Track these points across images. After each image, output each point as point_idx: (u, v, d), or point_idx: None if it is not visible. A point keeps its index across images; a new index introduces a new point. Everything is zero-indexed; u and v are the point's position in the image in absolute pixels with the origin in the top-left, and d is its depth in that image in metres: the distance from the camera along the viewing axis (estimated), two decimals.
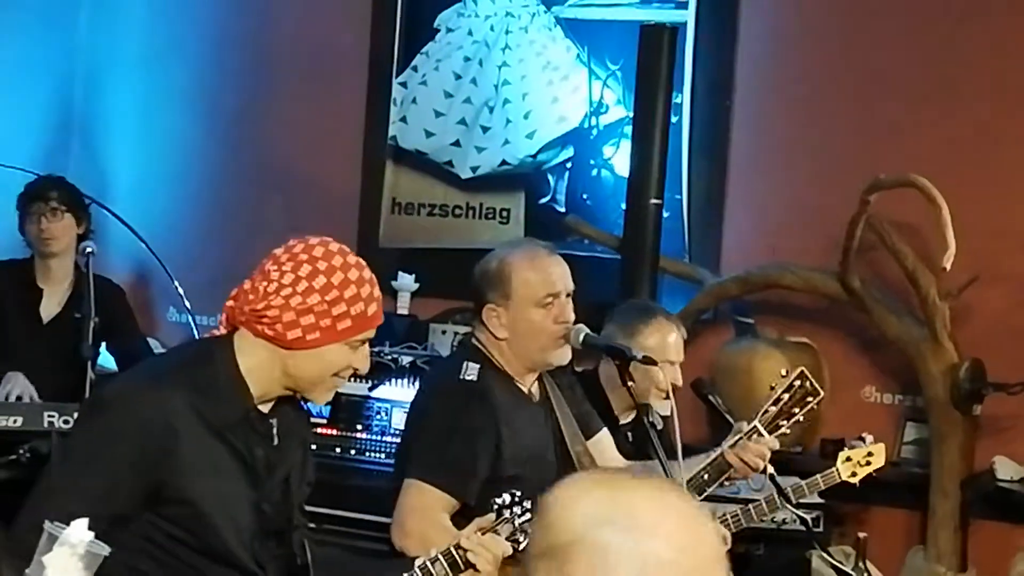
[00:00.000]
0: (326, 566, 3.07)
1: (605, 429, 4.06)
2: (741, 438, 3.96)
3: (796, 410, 4.03)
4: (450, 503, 3.53)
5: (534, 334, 3.72)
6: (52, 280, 5.48)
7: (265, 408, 2.99)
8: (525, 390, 3.81)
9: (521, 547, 3.11)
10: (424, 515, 3.50)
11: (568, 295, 3.77)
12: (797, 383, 4.04)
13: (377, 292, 2.96)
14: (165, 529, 2.84)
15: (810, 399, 4.04)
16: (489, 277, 3.75)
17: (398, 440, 4.18)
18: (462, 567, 3.05)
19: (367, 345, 2.98)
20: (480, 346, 3.79)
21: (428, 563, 3.03)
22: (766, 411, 4.00)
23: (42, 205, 5.41)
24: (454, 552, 3.04)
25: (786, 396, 4.02)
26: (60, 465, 2.87)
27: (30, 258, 5.53)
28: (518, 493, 3.14)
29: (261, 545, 2.95)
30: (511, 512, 3.10)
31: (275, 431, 2.99)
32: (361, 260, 2.98)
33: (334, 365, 2.94)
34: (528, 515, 3.10)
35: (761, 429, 3.96)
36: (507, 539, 3.09)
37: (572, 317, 3.77)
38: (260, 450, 2.96)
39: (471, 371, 3.68)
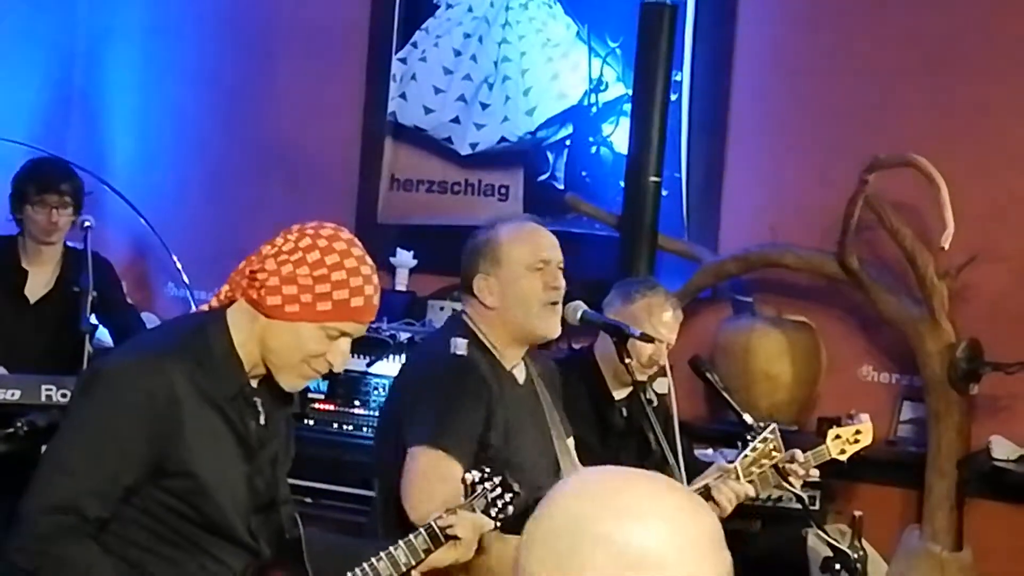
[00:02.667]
0: (314, 542, 3.08)
1: (572, 437, 4.05)
2: (721, 477, 3.98)
3: (765, 461, 4.08)
4: (458, 468, 3.53)
5: (525, 300, 3.71)
6: (39, 261, 5.41)
7: (255, 383, 2.99)
8: (508, 368, 3.81)
9: (498, 520, 3.14)
10: (447, 481, 3.49)
11: (559, 266, 3.76)
12: (770, 436, 4.09)
13: (370, 290, 2.91)
14: (165, 502, 2.84)
15: (775, 454, 4.09)
16: (478, 249, 3.75)
17: None
18: (442, 540, 3.07)
19: (347, 343, 2.93)
20: (468, 322, 3.79)
21: (412, 537, 3.05)
22: (745, 455, 4.04)
23: (55, 198, 5.33)
24: (433, 525, 3.06)
25: (760, 445, 4.06)
26: (67, 442, 2.84)
27: (14, 237, 5.44)
28: (487, 469, 3.17)
29: (255, 519, 2.96)
30: (483, 487, 3.13)
31: (261, 406, 2.99)
32: (368, 258, 2.96)
33: (307, 348, 2.90)
34: (499, 489, 3.13)
35: (740, 472, 4.00)
36: (483, 513, 3.12)
37: (563, 284, 3.76)
38: (254, 424, 2.97)
39: (460, 347, 3.68)
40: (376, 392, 5.27)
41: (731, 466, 4.01)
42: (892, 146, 5.34)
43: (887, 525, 5.53)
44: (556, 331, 3.80)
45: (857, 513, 4.07)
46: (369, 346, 5.36)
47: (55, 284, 5.40)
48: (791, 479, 4.09)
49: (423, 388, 3.61)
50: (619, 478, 1.70)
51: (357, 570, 2.98)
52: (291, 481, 5.18)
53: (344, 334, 2.91)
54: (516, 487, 3.17)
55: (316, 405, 5.28)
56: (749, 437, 4.12)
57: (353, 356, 5.26)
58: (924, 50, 5.84)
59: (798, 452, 4.33)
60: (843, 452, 4.43)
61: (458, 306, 3.99)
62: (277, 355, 2.92)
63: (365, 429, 5.25)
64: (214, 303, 3.00)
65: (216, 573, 2.89)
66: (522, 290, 3.71)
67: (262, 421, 2.99)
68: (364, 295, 2.90)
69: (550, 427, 3.88)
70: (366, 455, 5.24)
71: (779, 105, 6.12)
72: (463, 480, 3.15)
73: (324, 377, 5.19)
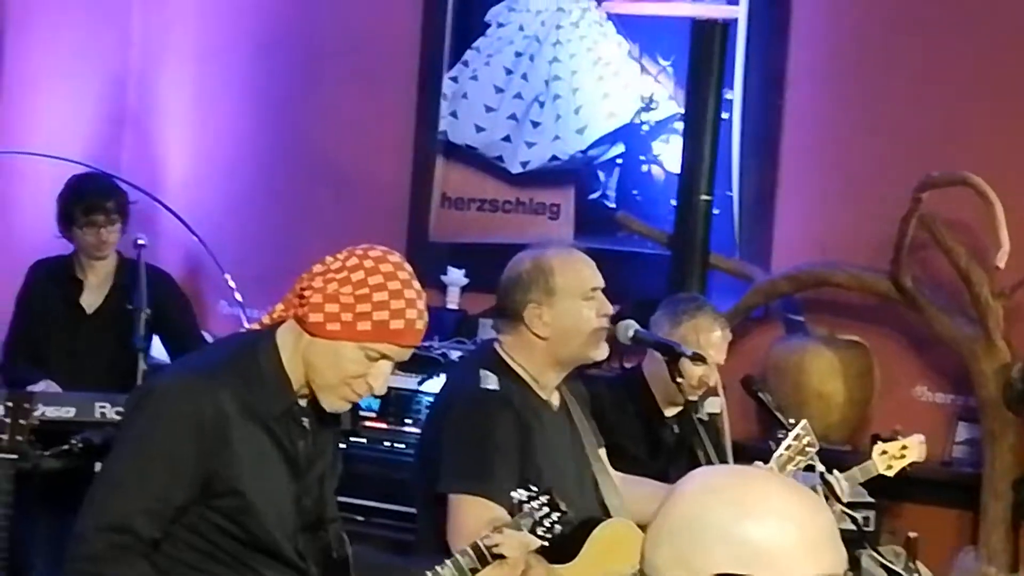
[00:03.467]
0: (360, 562, 3.08)
1: (604, 448, 4.04)
2: None
3: (799, 458, 4.07)
4: (501, 511, 3.53)
5: (579, 329, 3.71)
6: (94, 273, 5.49)
7: (303, 402, 2.99)
8: (544, 397, 3.80)
9: (545, 539, 3.14)
10: (485, 525, 3.49)
11: (602, 291, 3.78)
12: (802, 431, 4.07)
13: (412, 314, 2.88)
14: (212, 520, 2.86)
15: (809, 449, 4.09)
16: (525, 278, 3.72)
17: None
18: (489, 559, 3.08)
19: (388, 366, 2.91)
20: (502, 352, 3.77)
21: (458, 556, 3.05)
22: (780, 455, 4.03)
23: (101, 217, 5.38)
24: (480, 544, 3.07)
25: (794, 443, 4.05)
26: (119, 461, 2.87)
27: (70, 256, 5.50)
28: (534, 488, 3.16)
29: (303, 538, 2.97)
30: (530, 506, 3.13)
31: (309, 425, 3.00)
32: (415, 282, 2.92)
33: (346, 369, 2.88)
34: (546, 508, 3.13)
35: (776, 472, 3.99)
36: (530, 531, 3.13)
37: (612, 310, 3.78)
38: (302, 443, 2.98)
39: (491, 380, 3.67)
40: (427, 410, 5.26)
41: (765, 468, 3.98)
42: (946, 164, 5.31)
43: (942, 547, 5.48)
44: (606, 353, 3.81)
45: (912, 534, 4.05)
46: (420, 364, 5.36)
47: (109, 293, 5.45)
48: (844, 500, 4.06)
49: (457, 428, 3.58)
50: (741, 476, 1.76)
51: None
52: (342, 499, 5.19)
53: (384, 356, 2.89)
54: (563, 506, 3.17)
55: (367, 423, 5.29)
56: (781, 435, 4.10)
57: (404, 374, 5.32)
58: (978, 68, 5.79)
59: (836, 473, 4.32)
60: (890, 467, 4.41)
61: None
62: (319, 374, 2.92)
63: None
64: (266, 321, 3.02)
65: None
66: (578, 320, 3.70)
67: (310, 440, 3.00)
68: (405, 318, 2.87)
69: (586, 448, 3.88)
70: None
71: (831, 123, 6.09)
72: (511, 498, 3.15)
73: (376, 396, 5.26)
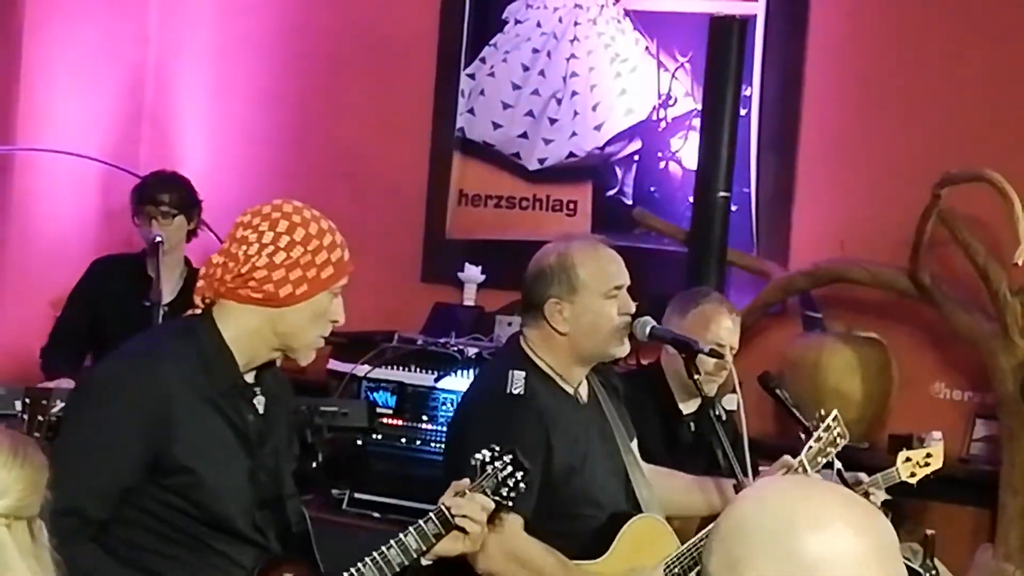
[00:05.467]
0: (323, 537, 3.10)
1: (636, 439, 4.04)
2: (792, 472, 3.95)
3: (830, 449, 4.06)
4: (520, 519, 3.54)
5: (600, 327, 3.70)
6: (164, 269, 5.55)
7: (249, 378, 3.03)
8: (571, 391, 3.79)
9: (508, 501, 3.12)
10: (505, 535, 3.50)
11: (626, 288, 3.77)
12: (833, 423, 4.06)
13: (339, 239, 3.03)
14: (166, 501, 2.89)
15: (840, 440, 4.09)
16: (550, 272, 3.71)
17: None
18: (452, 524, 3.07)
19: (340, 297, 3.05)
20: (527, 349, 3.77)
21: (422, 523, 3.05)
22: (810, 447, 4.02)
23: (152, 208, 5.50)
24: (444, 508, 3.06)
25: (824, 435, 4.04)
26: (67, 446, 2.89)
27: (142, 252, 5.63)
28: (497, 448, 3.14)
29: (260, 514, 2.99)
30: (492, 467, 3.12)
31: (261, 401, 3.04)
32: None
33: (321, 317, 2.99)
34: (510, 468, 3.12)
35: (807, 465, 3.97)
36: (492, 494, 3.11)
37: (633, 307, 3.77)
38: (251, 418, 3.00)
39: (517, 382, 3.65)
40: (444, 407, 5.27)
41: (795, 461, 3.98)
42: (965, 161, 5.29)
43: (960, 544, 5.46)
44: (626, 351, 3.81)
45: (929, 532, 4.04)
46: (437, 361, 5.37)
47: (179, 293, 5.49)
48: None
49: (480, 431, 3.54)
50: (800, 488, 1.76)
51: (368, 559, 2.98)
52: (359, 496, 5.21)
53: (341, 289, 3.03)
54: (527, 464, 3.16)
55: (384, 420, 5.29)
56: (812, 425, 4.09)
57: (421, 371, 5.32)
58: (997, 64, 5.78)
59: (862, 475, 4.31)
60: (913, 475, 4.41)
61: None
62: (298, 337, 3.00)
63: (433, 444, 5.25)
64: (193, 311, 3.06)
65: (224, 570, 2.92)
66: (598, 318, 3.70)
67: (261, 412, 3.03)
68: (340, 245, 3.02)
69: (618, 440, 3.88)
70: (434, 470, 5.23)
71: (850, 119, 6.07)
72: (471, 460, 3.14)
73: (392, 392, 5.27)
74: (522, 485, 3.15)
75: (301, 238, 2.95)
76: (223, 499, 2.91)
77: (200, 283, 3.02)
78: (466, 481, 3.11)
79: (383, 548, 2.99)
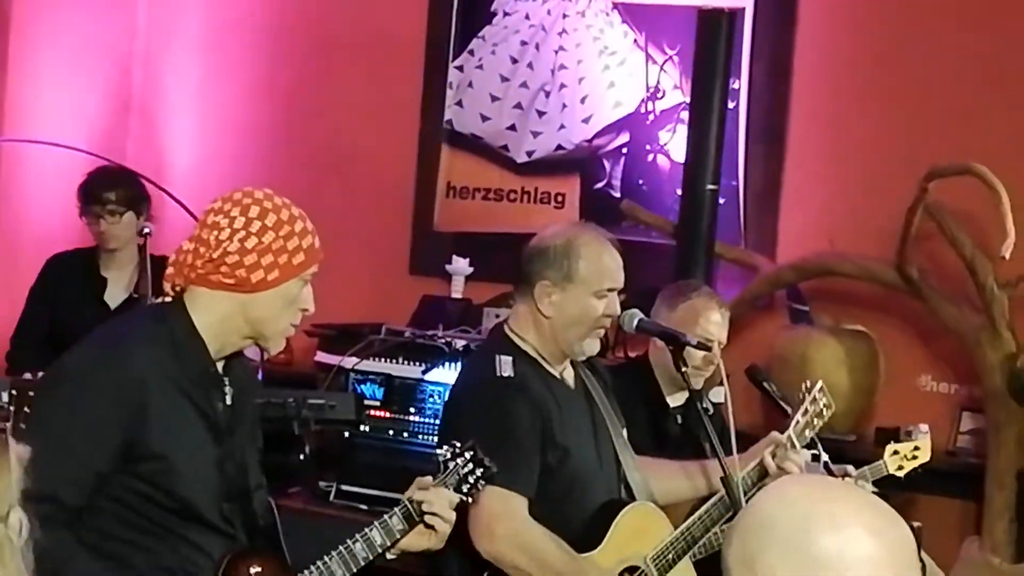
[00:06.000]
0: (290, 527, 3.09)
1: (625, 428, 4.05)
2: (780, 448, 3.95)
3: (817, 421, 4.06)
4: (523, 501, 3.55)
5: (581, 322, 3.71)
6: (116, 266, 5.53)
7: (219, 365, 3.03)
8: (557, 375, 3.80)
9: (470, 496, 3.12)
10: (511, 517, 3.52)
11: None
12: (819, 395, 4.05)
13: (309, 225, 3.02)
14: (136, 488, 2.87)
15: (826, 411, 4.08)
16: (552, 254, 3.71)
17: None
18: (417, 519, 3.07)
19: (310, 285, 3.04)
20: (512, 333, 3.77)
21: (387, 518, 3.05)
22: (797, 421, 4.01)
23: (98, 207, 5.44)
24: (409, 506, 3.06)
25: (811, 407, 4.04)
26: (40, 435, 2.82)
27: (94, 247, 5.58)
28: (458, 444, 3.15)
29: (228, 506, 2.97)
30: (455, 464, 3.12)
31: (230, 391, 3.03)
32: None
33: (292, 304, 2.98)
34: (471, 465, 3.13)
35: (795, 440, 3.97)
36: (455, 491, 3.11)
37: (619, 312, 3.79)
38: (221, 406, 3.00)
39: (506, 366, 3.66)
40: (432, 399, 5.26)
41: (783, 437, 3.97)
42: (952, 154, 5.30)
43: (946, 536, 5.47)
44: (595, 351, 3.82)
45: (916, 524, 4.02)
46: (424, 353, 5.36)
47: (134, 289, 5.47)
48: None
49: (477, 420, 3.56)
50: (820, 488, 1.78)
51: (334, 553, 2.97)
52: (347, 487, 5.20)
53: (311, 276, 3.02)
54: (487, 461, 3.16)
55: (371, 412, 5.28)
56: (800, 398, 4.08)
57: (408, 363, 5.32)
58: (985, 58, 5.78)
59: (849, 468, 4.31)
60: (901, 468, 4.41)
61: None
62: (270, 324, 2.99)
63: (421, 436, 5.24)
64: (162, 299, 3.06)
65: (193, 560, 2.91)
66: (583, 313, 3.71)
67: (229, 402, 3.02)
68: (312, 232, 3.01)
69: (608, 425, 3.89)
70: (421, 462, 5.23)
71: (838, 112, 6.08)
72: (434, 457, 3.15)
73: (380, 384, 5.25)
74: (482, 481, 3.15)
75: (273, 223, 2.94)
76: (192, 487, 2.90)
77: (170, 270, 3.02)
78: (429, 478, 3.10)
79: (348, 542, 2.98)
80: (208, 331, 2.96)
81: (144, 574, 2.89)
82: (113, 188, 5.48)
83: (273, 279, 2.93)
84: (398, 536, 3.05)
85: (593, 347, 3.78)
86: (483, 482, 3.16)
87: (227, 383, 3.03)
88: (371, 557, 3.01)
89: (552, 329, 3.73)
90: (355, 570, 2.99)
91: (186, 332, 2.95)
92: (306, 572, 2.93)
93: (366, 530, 3.02)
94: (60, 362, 2.98)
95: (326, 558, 2.97)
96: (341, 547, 2.98)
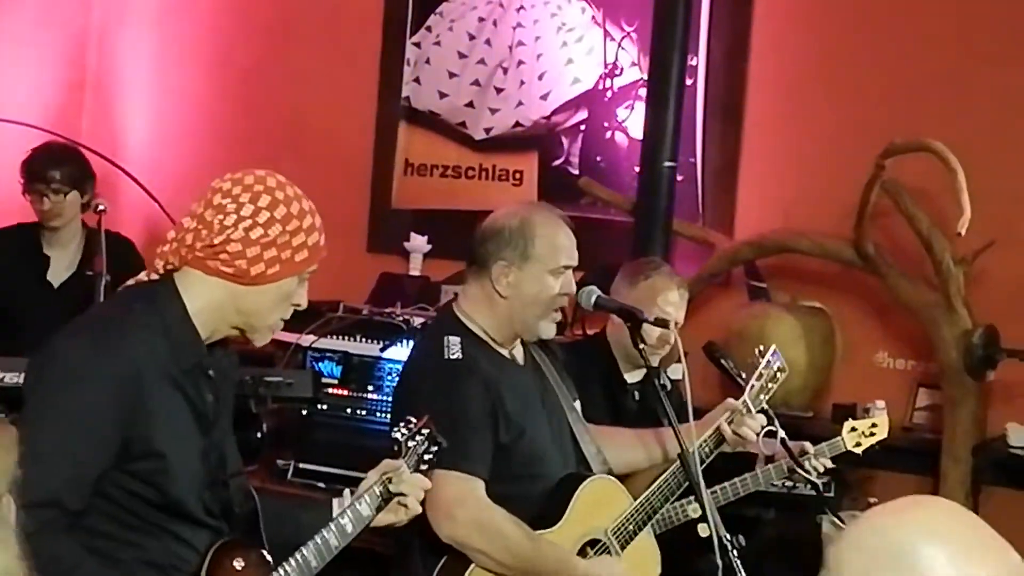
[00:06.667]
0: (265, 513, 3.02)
1: (578, 401, 4.05)
2: (736, 414, 3.95)
3: (771, 385, 4.05)
4: (480, 483, 3.55)
5: (538, 300, 3.70)
6: (59, 245, 5.46)
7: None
8: (507, 354, 3.80)
9: (427, 475, 3.10)
10: (471, 501, 3.52)
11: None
12: (772, 358, 4.05)
13: (319, 222, 2.91)
14: (127, 486, 2.76)
15: (780, 375, 4.07)
16: (508, 234, 3.70)
17: None
18: (384, 504, 3.03)
19: (307, 282, 2.95)
20: (462, 314, 3.77)
21: (356, 505, 3.00)
22: (752, 386, 4.00)
23: (42, 185, 5.35)
24: (377, 488, 3.02)
25: (765, 371, 4.03)
26: (37, 434, 2.65)
27: (35, 224, 5.49)
28: (412, 421, 3.12)
29: (209, 494, 2.89)
30: (414, 442, 3.09)
31: (215, 377, 2.93)
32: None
33: (285, 300, 2.89)
34: (427, 443, 3.10)
35: (751, 406, 3.97)
36: (415, 471, 3.08)
37: (574, 290, 3.78)
38: (210, 396, 2.90)
39: (454, 348, 3.65)
40: (390, 377, 5.25)
41: (738, 403, 3.97)
42: (909, 131, 5.31)
43: None
44: (551, 334, 3.81)
45: (872, 500, 4.06)
46: (382, 331, 5.35)
47: (77, 268, 5.41)
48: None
49: (429, 402, 3.50)
50: (930, 506, 1.78)
51: (310, 543, 2.91)
52: (304, 465, 5.19)
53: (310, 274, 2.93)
54: (440, 438, 3.13)
55: (330, 390, 5.27)
56: (751, 361, 4.07)
57: (366, 341, 5.30)
58: (942, 35, 5.80)
59: (807, 444, 4.33)
60: (858, 445, 4.43)
61: None
62: (261, 317, 2.90)
63: (379, 414, 5.24)
64: (148, 276, 2.92)
65: (179, 554, 2.83)
66: (540, 291, 3.70)
67: (216, 393, 2.93)
68: (319, 229, 2.91)
69: (560, 400, 3.89)
70: (379, 440, 5.22)
71: (795, 89, 6.09)
72: (391, 437, 3.11)
73: (338, 362, 5.24)
74: (434, 459, 3.13)
75: (281, 216, 2.83)
76: (182, 484, 2.81)
77: (165, 247, 2.88)
78: (400, 462, 3.06)
79: (323, 532, 2.94)
80: (199, 317, 2.85)
81: (133, 571, 2.80)
82: (58, 166, 5.38)
83: (272, 274, 2.83)
84: (368, 522, 3.02)
85: (550, 331, 3.77)
86: (435, 458, 3.13)
87: (213, 374, 2.92)
88: (342, 545, 2.97)
89: (510, 309, 3.72)
90: (328, 560, 2.95)
91: (179, 319, 2.83)
92: (285, 565, 2.89)
93: (338, 518, 2.97)
94: (51, 353, 2.79)
95: (303, 549, 2.91)
96: (317, 538, 2.93)
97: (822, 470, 4.35)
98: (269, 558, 2.91)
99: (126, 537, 2.81)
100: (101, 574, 2.75)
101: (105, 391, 2.71)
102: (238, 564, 2.86)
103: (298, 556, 2.89)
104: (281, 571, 2.87)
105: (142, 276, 2.95)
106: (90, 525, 2.76)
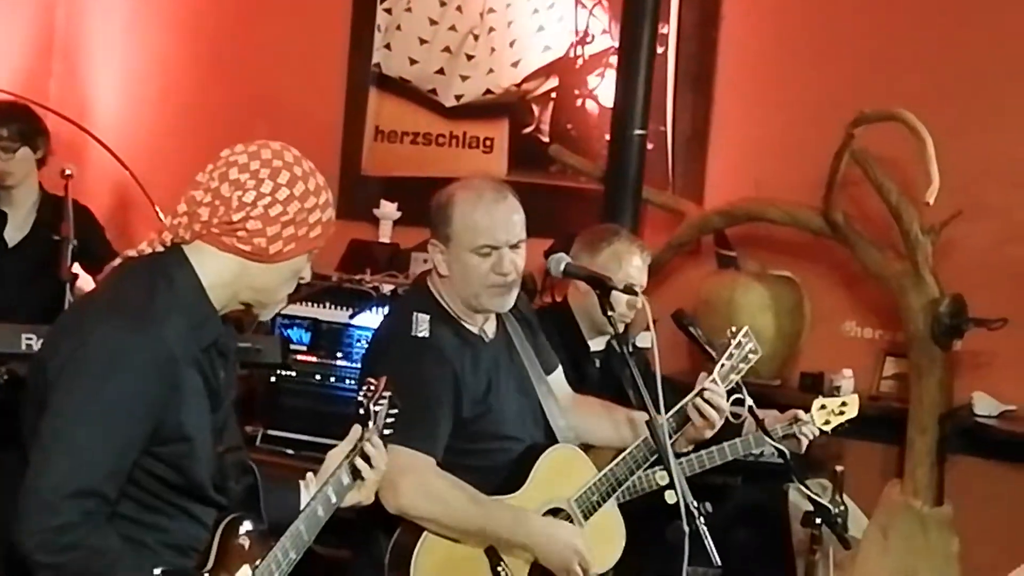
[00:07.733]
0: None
1: (560, 368, 4.05)
2: (703, 391, 3.92)
3: (742, 365, 4.04)
4: (431, 460, 3.54)
5: (469, 280, 3.65)
6: (15, 204, 5.40)
7: None
8: (476, 331, 3.78)
9: (388, 439, 3.10)
10: (415, 470, 3.51)
11: (513, 246, 3.65)
12: (744, 339, 4.04)
13: (330, 196, 2.89)
14: (151, 469, 2.72)
15: (751, 356, 4.05)
16: (434, 212, 3.68)
17: None
18: (354, 478, 3.04)
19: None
20: (431, 287, 3.75)
21: (339, 475, 3.00)
22: (722, 364, 3.99)
23: None
24: (351, 462, 3.02)
25: (736, 352, 4.02)
26: (75, 423, 2.62)
27: None
28: (373, 384, 3.10)
29: (217, 471, 2.87)
30: (376, 409, 3.07)
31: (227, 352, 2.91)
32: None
33: (294, 276, 2.87)
34: (387, 409, 3.08)
35: (719, 382, 3.95)
36: (380, 437, 3.07)
37: (513, 269, 3.66)
38: (223, 373, 2.88)
39: (422, 325, 3.62)
40: (359, 344, 5.25)
41: (708, 380, 3.96)
42: (879, 101, 5.32)
43: (868, 480, 5.54)
44: (506, 307, 3.76)
45: (838, 468, 4.08)
46: (352, 298, 5.34)
47: (31, 229, 5.38)
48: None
49: (390, 375, 3.53)
50: None
51: (301, 516, 2.91)
52: (273, 432, 5.18)
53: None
54: (397, 401, 3.11)
55: (298, 357, 5.27)
56: (723, 343, 4.06)
57: (335, 308, 5.30)
58: (913, 5, 5.81)
59: (800, 412, 4.34)
60: (827, 423, 4.43)
61: None
62: (271, 294, 2.88)
63: (347, 381, 5.24)
64: (152, 248, 2.84)
65: (194, 534, 2.82)
66: (466, 271, 3.65)
67: (226, 368, 2.90)
68: (332, 205, 2.89)
69: (530, 373, 3.88)
70: (348, 407, 5.22)
71: (765, 59, 6.09)
72: (359, 407, 3.09)
73: (307, 329, 5.23)
74: (392, 422, 3.12)
75: (300, 193, 2.79)
76: (203, 466, 2.78)
77: (174, 219, 2.81)
78: (372, 428, 3.05)
79: (313, 503, 2.91)
80: (212, 292, 2.80)
81: (159, 555, 2.76)
82: (5, 123, 5.31)
83: (289, 251, 2.80)
84: (348, 490, 3.02)
85: (501, 304, 3.72)
86: (393, 421, 3.12)
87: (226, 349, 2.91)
88: (327, 517, 2.97)
89: (455, 288, 3.71)
90: (316, 532, 2.94)
91: (198, 297, 2.78)
92: (283, 539, 2.89)
93: (324, 489, 2.96)
94: (83, 339, 2.67)
95: (297, 523, 2.89)
96: (307, 509, 2.91)
97: (819, 434, 4.38)
98: (267, 531, 2.90)
99: (149, 520, 2.77)
100: (137, 564, 2.69)
101: (146, 379, 2.66)
102: (244, 542, 2.85)
103: (292, 529, 2.89)
104: (279, 546, 2.86)
105: (144, 247, 2.86)
106: (116, 510, 2.71)
